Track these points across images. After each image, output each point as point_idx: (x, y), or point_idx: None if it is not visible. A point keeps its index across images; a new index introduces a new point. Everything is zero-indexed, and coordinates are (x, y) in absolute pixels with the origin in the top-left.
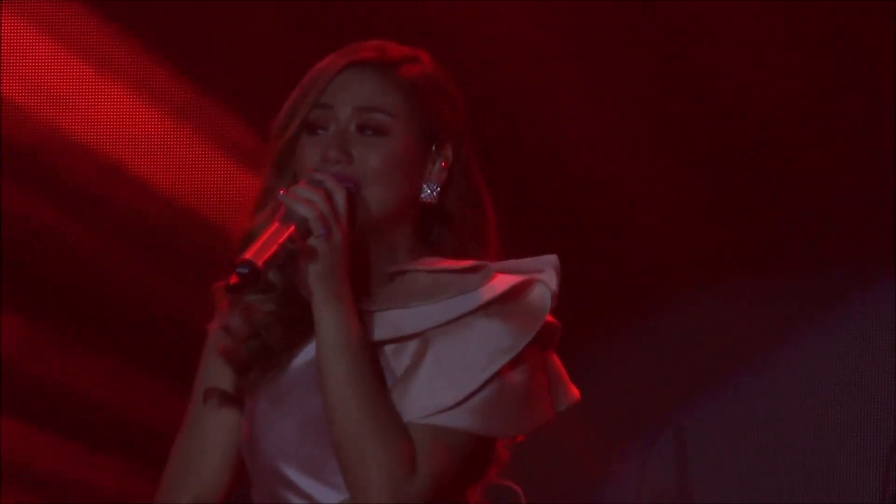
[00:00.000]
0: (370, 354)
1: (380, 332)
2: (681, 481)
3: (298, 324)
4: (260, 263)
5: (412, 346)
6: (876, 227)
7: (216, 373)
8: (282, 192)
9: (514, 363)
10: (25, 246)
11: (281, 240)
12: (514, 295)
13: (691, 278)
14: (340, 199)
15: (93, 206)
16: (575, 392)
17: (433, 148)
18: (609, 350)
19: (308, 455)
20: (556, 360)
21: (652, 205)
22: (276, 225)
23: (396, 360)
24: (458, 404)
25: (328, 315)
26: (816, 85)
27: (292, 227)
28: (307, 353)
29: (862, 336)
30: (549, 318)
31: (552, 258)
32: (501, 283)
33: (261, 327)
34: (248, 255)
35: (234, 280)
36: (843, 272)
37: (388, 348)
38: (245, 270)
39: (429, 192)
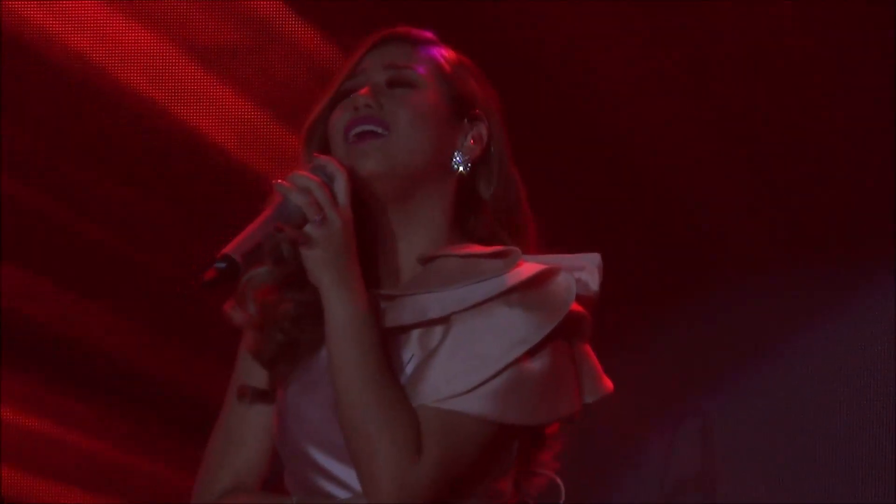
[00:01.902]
0: (379, 340)
1: (406, 317)
2: (706, 467)
3: (321, 311)
4: (239, 258)
5: (439, 330)
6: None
7: (250, 367)
8: (278, 180)
9: (532, 352)
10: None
11: (266, 231)
12: (536, 283)
13: (717, 273)
14: (341, 182)
15: (109, 151)
16: (608, 384)
17: (465, 120)
18: (635, 340)
19: (338, 440)
20: (588, 351)
21: (687, 199)
22: (263, 216)
23: (423, 344)
24: (471, 390)
25: (335, 302)
26: (820, 81)
27: (270, 216)
28: None
29: (882, 323)
30: (578, 308)
31: (595, 256)
32: (526, 270)
33: (285, 320)
34: (227, 248)
35: (209, 275)
36: (860, 263)
37: (416, 332)
38: (223, 265)
39: (459, 163)
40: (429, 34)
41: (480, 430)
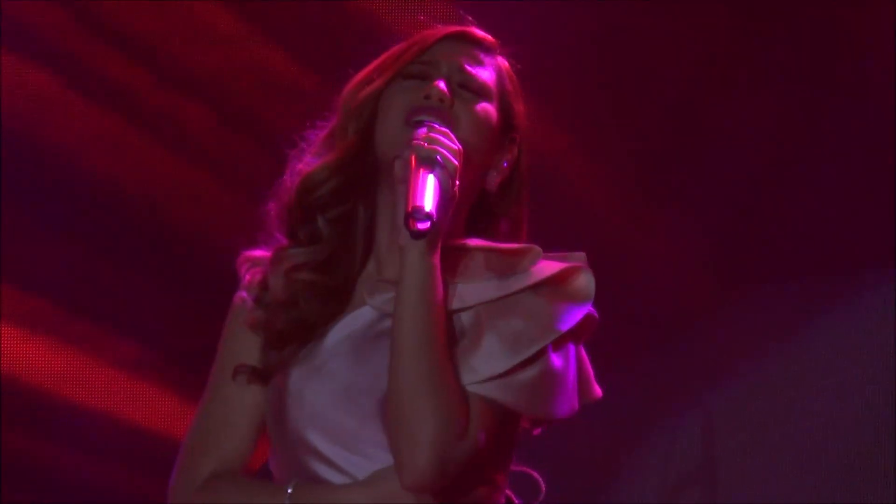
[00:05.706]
0: (446, 313)
1: None
2: (708, 463)
3: (336, 295)
4: (434, 211)
5: (459, 321)
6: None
7: (243, 345)
8: (414, 141)
9: (555, 346)
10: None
11: (430, 184)
12: (561, 279)
13: (721, 271)
14: (458, 157)
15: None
16: (597, 390)
17: (506, 140)
18: (637, 338)
19: (341, 425)
20: (584, 356)
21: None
22: (423, 173)
23: None
24: (506, 375)
25: (421, 261)
26: (815, 90)
27: (425, 171)
28: (344, 326)
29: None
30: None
31: (581, 255)
32: (549, 266)
33: (300, 298)
34: (420, 204)
35: (424, 228)
36: (861, 264)
37: None
38: (428, 223)
39: (491, 178)
40: (496, 41)
41: (512, 420)
